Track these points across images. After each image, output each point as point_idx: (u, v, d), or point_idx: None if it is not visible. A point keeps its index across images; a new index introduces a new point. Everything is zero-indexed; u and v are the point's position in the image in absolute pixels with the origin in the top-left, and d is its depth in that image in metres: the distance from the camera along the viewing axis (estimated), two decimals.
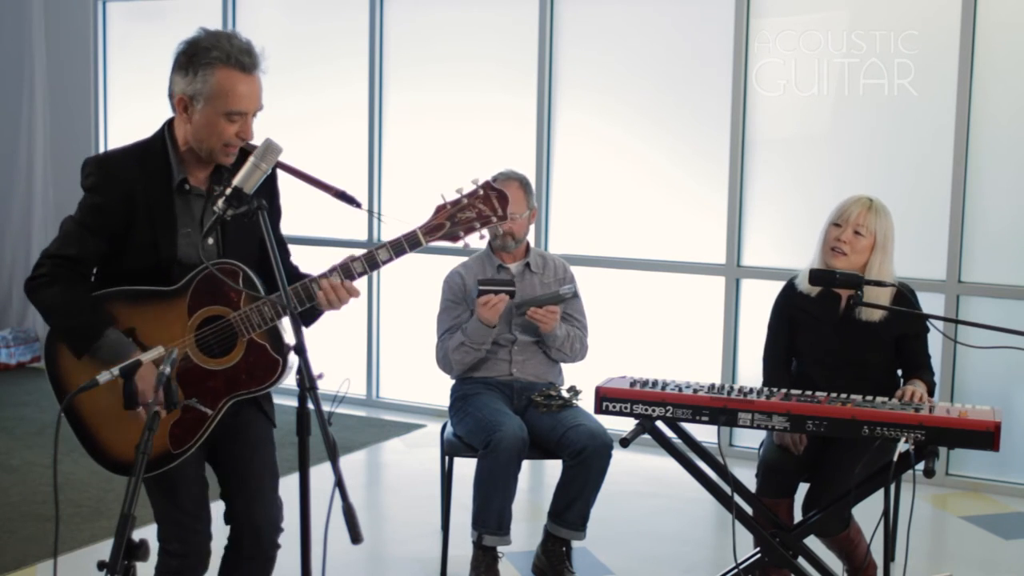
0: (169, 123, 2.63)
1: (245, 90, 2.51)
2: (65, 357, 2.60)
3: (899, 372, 3.64)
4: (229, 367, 2.58)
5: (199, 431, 2.58)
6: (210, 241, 2.62)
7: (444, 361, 3.92)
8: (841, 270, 3.43)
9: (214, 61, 2.49)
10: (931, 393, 3.50)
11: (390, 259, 2.57)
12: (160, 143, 2.61)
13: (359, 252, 2.61)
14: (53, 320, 2.57)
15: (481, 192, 2.59)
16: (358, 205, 2.67)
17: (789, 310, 3.67)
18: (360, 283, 2.64)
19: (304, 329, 2.60)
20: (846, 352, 3.56)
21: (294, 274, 2.76)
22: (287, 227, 2.90)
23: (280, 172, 2.71)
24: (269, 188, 2.73)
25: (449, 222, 2.58)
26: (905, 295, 3.53)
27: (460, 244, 2.62)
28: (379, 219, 6.25)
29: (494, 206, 2.60)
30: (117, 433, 2.59)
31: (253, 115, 2.56)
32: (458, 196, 2.60)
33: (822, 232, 3.57)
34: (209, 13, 6.70)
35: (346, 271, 2.58)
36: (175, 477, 2.62)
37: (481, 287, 3.73)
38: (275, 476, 2.82)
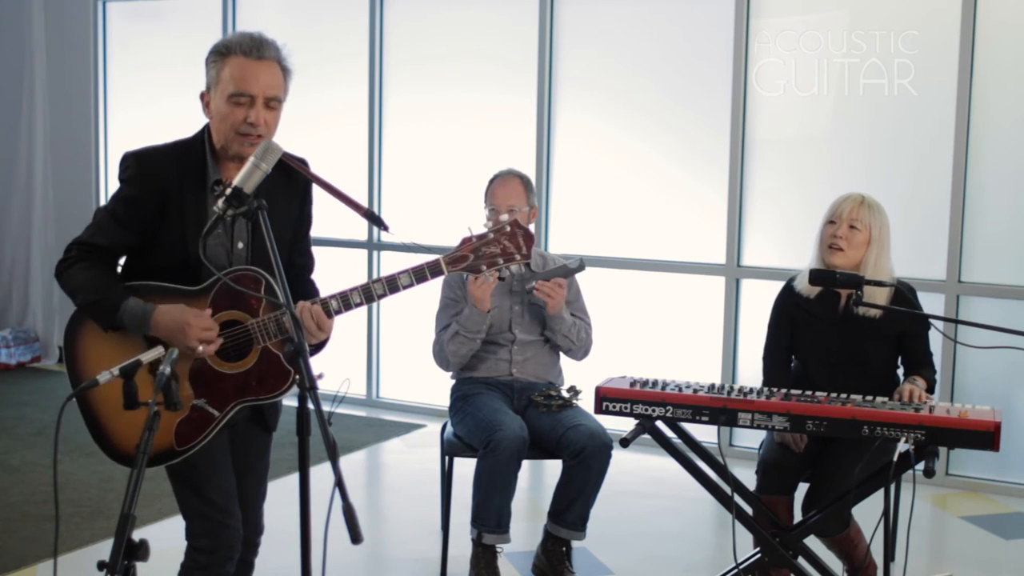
0: (208, 124, 2.69)
1: (249, 74, 2.55)
2: (84, 344, 2.61)
3: (900, 369, 3.65)
4: (240, 372, 2.59)
5: (204, 431, 2.59)
6: (240, 245, 2.64)
7: (440, 355, 3.93)
8: (841, 269, 3.43)
9: (223, 51, 2.58)
10: (931, 390, 3.50)
11: (411, 284, 2.61)
12: (199, 143, 2.65)
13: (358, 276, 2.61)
14: (79, 298, 2.59)
15: (508, 229, 2.63)
16: (386, 228, 2.69)
17: (789, 309, 3.68)
18: (360, 282, 2.64)
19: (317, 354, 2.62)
20: (846, 350, 3.56)
21: (306, 295, 2.73)
22: None
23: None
24: (302, 195, 2.78)
25: (473, 255, 2.62)
26: (905, 293, 3.53)
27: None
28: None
29: (519, 244, 2.63)
30: (125, 425, 2.58)
31: (268, 104, 2.58)
32: (485, 231, 2.64)
33: (818, 231, 3.59)
34: (209, 13, 6.70)
35: (366, 293, 2.60)
36: (204, 470, 2.63)
37: None
38: (264, 484, 2.87)
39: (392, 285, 2.60)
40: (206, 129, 2.67)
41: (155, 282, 2.60)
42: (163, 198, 2.58)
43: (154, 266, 2.62)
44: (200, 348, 2.50)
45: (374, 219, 2.68)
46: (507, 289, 3.90)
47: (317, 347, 2.66)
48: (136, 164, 2.61)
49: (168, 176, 2.59)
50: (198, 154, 2.63)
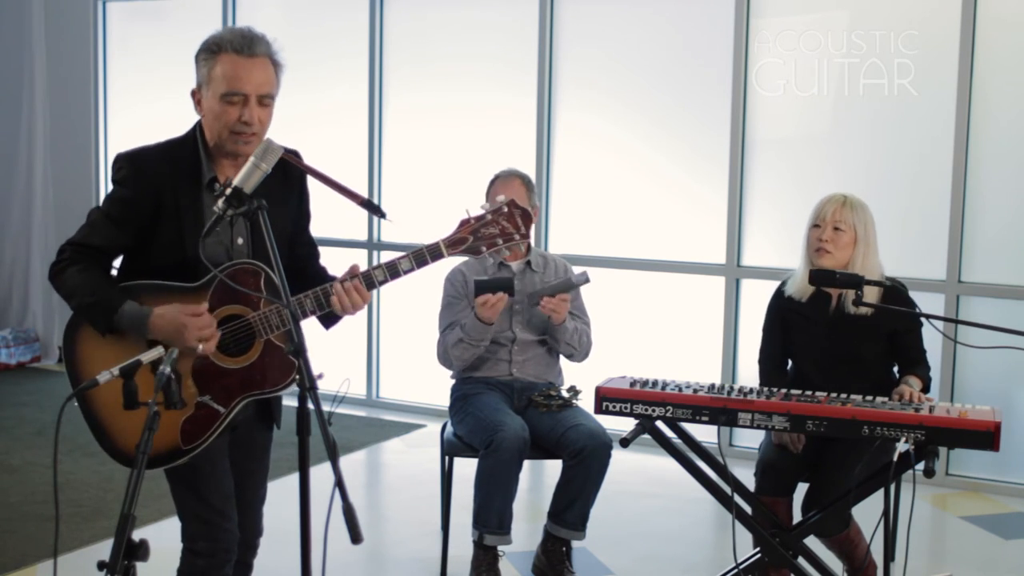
0: (200, 122, 2.67)
1: (242, 72, 2.53)
2: (84, 345, 2.59)
3: (895, 367, 3.65)
4: (245, 367, 2.58)
5: (211, 428, 2.57)
6: (240, 241, 2.63)
7: (444, 357, 3.93)
8: (838, 270, 3.43)
9: (214, 48, 2.55)
10: (927, 388, 3.51)
11: (412, 269, 2.61)
12: (192, 141, 2.63)
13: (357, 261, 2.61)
14: (74, 300, 2.56)
15: (506, 209, 2.64)
16: (383, 215, 2.69)
17: (782, 312, 3.69)
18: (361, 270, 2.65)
19: (326, 331, 2.67)
20: (840, 349, 3.56)
21: (322, 276, 2.76)
22: None
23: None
24: (299, 190, 2.77)
25: (472, 236, 2.63)
26: (897, 291, 3.53)
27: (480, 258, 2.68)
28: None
29: (517, 224, 2.64)
30: (128, 425, 2.56)
31: (261, 101, 2.56)
32: (483, 212, 2.64)
33: (805, 235, 3.61)
34: (209, 13, 6.70)
35: (367, 279, 2.60)
36: (203, 473, 2.62)
37: (479, 287, 3.73)
38: (265, 486, 2.87)
39: (393, 270, 2.61)
40: (198, 126, 2.65)
41: (152, 281, 2.58)
42: (157, 198, 2.56)
43: (152, 266, 2.60)
44: (200, 347, 2.48)
45: (371, 207, 2.68)
46: None
47: (330, 322, 2.68)
48: (129, 165, 2.59)
49: (161, 175, 2.57)
50: (191, 152, 2.61)
